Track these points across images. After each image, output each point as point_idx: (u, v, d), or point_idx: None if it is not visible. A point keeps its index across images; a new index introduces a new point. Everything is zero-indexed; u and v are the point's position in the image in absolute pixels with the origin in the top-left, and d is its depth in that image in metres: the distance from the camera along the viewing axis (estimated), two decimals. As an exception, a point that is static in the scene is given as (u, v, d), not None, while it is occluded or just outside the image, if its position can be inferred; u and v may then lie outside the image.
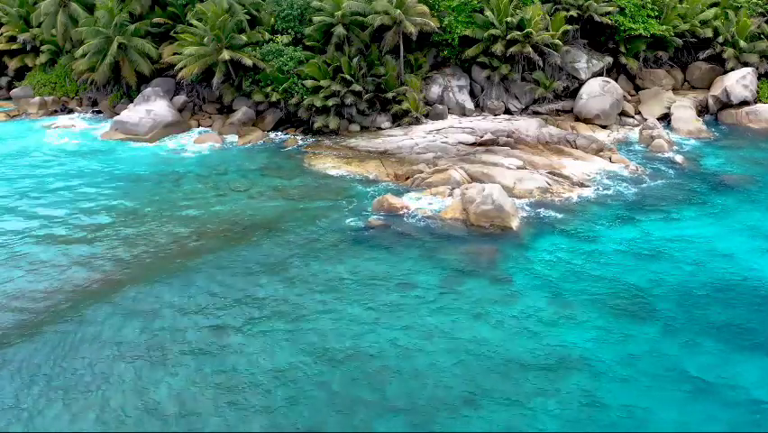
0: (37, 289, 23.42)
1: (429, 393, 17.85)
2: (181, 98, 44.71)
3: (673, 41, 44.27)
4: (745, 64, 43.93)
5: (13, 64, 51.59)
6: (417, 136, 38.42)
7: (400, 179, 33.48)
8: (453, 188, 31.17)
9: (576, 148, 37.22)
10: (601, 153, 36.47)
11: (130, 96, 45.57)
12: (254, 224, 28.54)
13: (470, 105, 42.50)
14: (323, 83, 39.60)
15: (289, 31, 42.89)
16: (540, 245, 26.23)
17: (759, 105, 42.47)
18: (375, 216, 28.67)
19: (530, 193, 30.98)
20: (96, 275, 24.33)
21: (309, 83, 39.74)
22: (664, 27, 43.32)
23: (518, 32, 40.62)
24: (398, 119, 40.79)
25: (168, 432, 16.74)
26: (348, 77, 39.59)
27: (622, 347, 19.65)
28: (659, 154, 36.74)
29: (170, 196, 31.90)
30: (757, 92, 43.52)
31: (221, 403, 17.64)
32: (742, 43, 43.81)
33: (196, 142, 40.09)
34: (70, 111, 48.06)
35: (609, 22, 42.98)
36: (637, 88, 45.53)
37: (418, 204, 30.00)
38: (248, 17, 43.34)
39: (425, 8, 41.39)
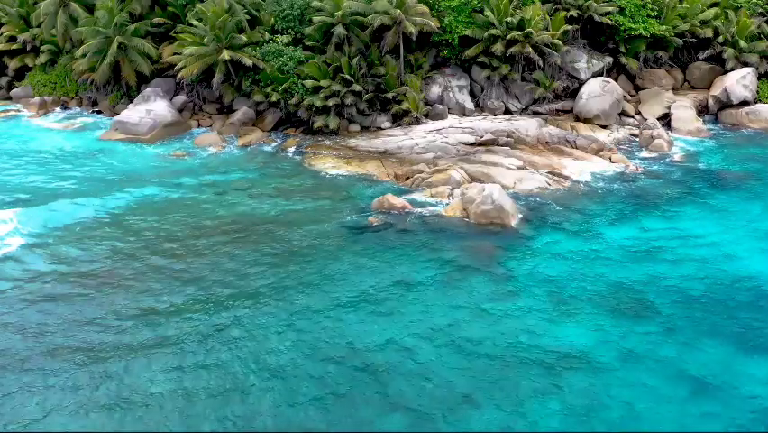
0: (36, 288, 23.46)
1: (429, 391, 17.85)
2: (181, 98, 44.69)
3: (673, 41, 44.26)
4: (745, 64, 43.92)
5: (13, 64, 51.52)
6: (417, 136, 38.42)
7: (400, 179, 33.48)
8: (453, 188, 31.18)
9: (576, 148, 37.23)
10: (601, 153, 36.50)
11: (130, 96, 45.54)
12: (254, 223, 28.54)
13: (470, 105, 42.49)
14: (323, 83, 39.60)
15: (289, 31, 42.86)
16: (540, 245, 26.24)
17: (759, 105, 42.48)
18: (375, 216, 28.67)
19: (530, 193, 30.98)
20: (94, 275, 24.32)
21: (309, 83, 39.74)
22: (664, 27, 43.31)
23: (518, 32, 40.61)
24: (398, 119, 40.79)
25: (168, 432, 16.74)
26: (348, 77, 39.60)
27: (622, 345, 19.66)
28: (659, 154, 36.77)
29: (170, 196, 31.89)
30: (757, 92, 43.50)
31: (218, 401, 17.63)
32: (742, 43, 43.81)
33: (196, 143, 40.08)
34: (70, 111, 47.98)
35: (609, 22, 42.97)
36: (637, 88, 45.51)
37: (418, 204, 30.00)
38: (248, 17, 43.32)
39: (425, 8, 41.38)
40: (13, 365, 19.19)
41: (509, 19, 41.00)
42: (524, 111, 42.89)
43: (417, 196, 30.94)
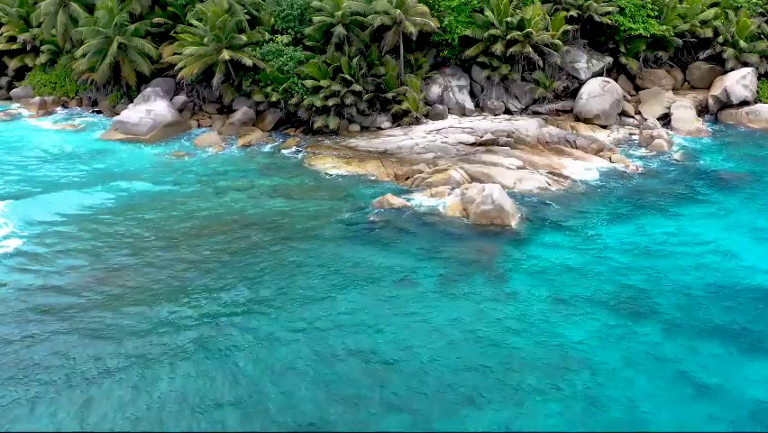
0: (38, 285, 23.47)
1: (428, 391, 17.85)
2: (181, 98, 44.69)
3: (673, 41, 44.26)
4: (745, 64, 43.92)
5: (13, 64, 51.51)
6: (417, 136, 38.42)
7: (400, 179, 33.48)
8: (453, 188, 31.18)
9: (576, 148, 37.24)
10: (601, 153, 36.50)
11: (130, 96, 45.54)
12: (254, 223, 28.55)
13: (470, 105, 42.49)
14: (323, 83, 39.61)
15: (289, 31, 42.87)
16: (540, 245, 26.25)
17: (759, 105, 42.48)
18: (375, 216, 28.66)
19: (530, 193, 30.98)
20: (94, 274, 24.32)
21: (309, 83, 39.74)
22: (664, 27, 43.31)
23: (518, 32, 40.61)
24: (398, 119, 40.79)
25: (168, 432, 16.73)
26: (348, 77, 39.60)
27: (622, 346, 19.67)
28: (659, 154, 36.75)
29: (170, 196, 31.89)
30: (757, 92, 43.50)
31: (217, 400, 17.63)
32: (742, 43, 43.80)
33: (195, 143, 40.07)
34: (70, 111, 47.96)
35: (609, 22, 42.97)
36: (637, 88, 45.51)
37: (418, 204, 30.00)
38: (248, 17, 43.33)
39: (425, 8, 41.38)
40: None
41: (509, 19, 41.00)
42: (524, 111, 42.89)
43: (417, 196, 30.94)
